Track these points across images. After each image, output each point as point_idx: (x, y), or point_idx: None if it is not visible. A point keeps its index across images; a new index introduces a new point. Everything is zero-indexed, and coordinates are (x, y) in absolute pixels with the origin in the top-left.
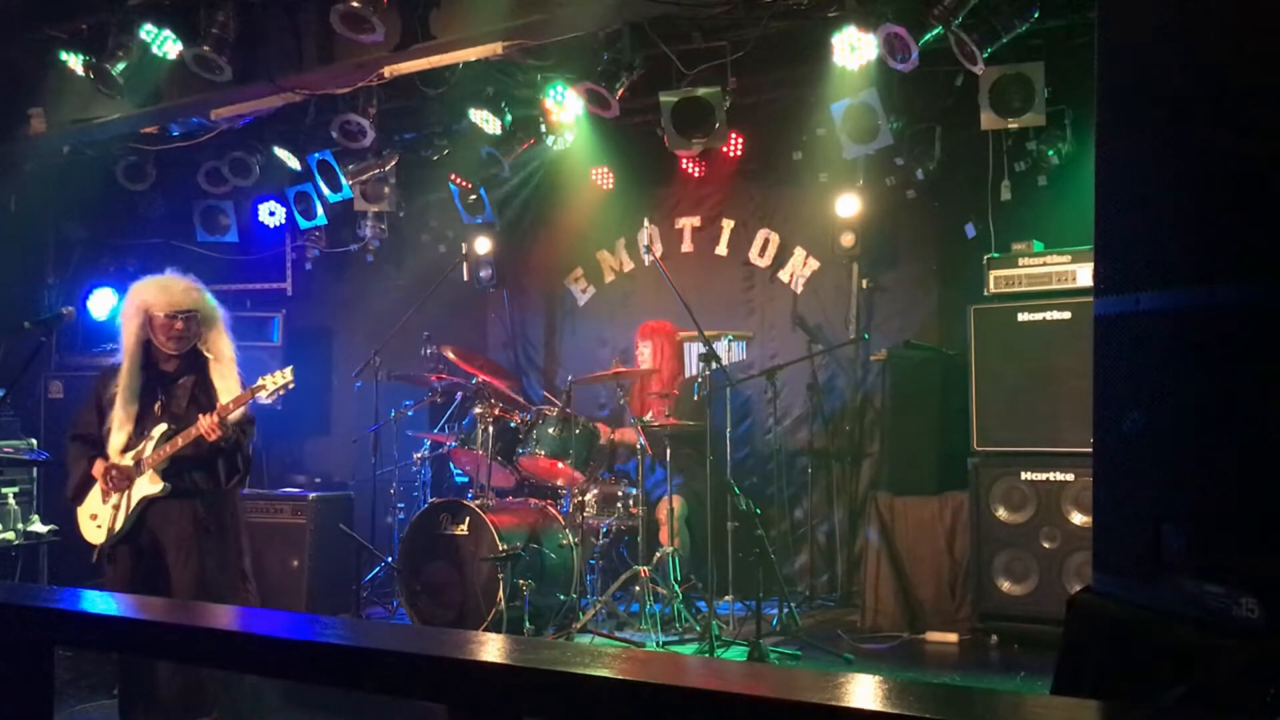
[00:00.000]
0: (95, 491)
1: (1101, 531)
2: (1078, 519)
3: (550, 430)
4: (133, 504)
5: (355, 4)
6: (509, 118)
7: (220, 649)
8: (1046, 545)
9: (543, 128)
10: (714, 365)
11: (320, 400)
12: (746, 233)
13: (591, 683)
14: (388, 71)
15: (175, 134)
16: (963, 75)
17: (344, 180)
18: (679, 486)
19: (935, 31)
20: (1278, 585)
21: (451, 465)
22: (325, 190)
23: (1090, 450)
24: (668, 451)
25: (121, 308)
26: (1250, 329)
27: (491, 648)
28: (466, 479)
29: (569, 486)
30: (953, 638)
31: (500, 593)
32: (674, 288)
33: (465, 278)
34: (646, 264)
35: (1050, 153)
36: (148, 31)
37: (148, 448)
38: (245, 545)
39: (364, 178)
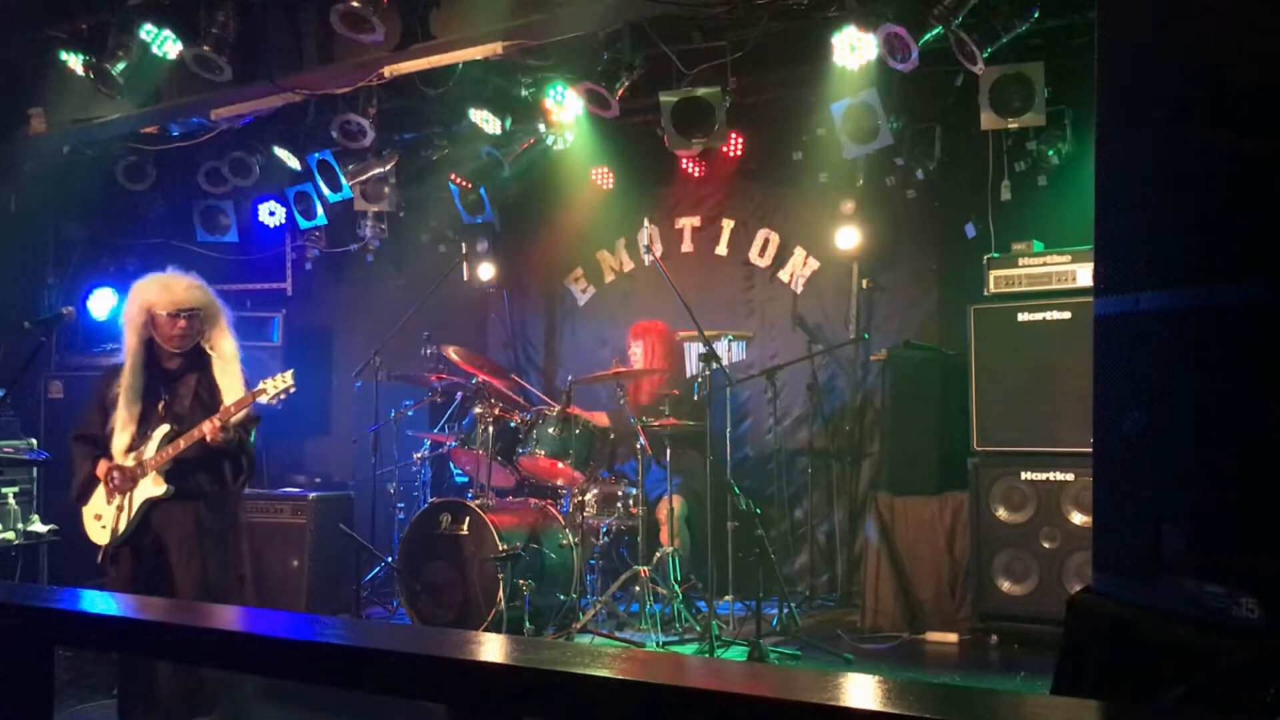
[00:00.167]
0: (100, 492)
1: (1101, 531)
2: (1078, 519)
3: (550, 430)
4: (135, 505)
5: (355, 4)
6: (509, 118)
7: (220, 649)
8: (1046, 545)
9: (543, 128)
10: (714, 365)
11: (320, 400)
12: (746, 233)
13: (591, 683)
14: (388, 71)
15: (175, 134)
16: (963, 75)
17: (344, 180)
18: (679, 486)
19: (935, 31)
20: (1278, 585)
21: (451, 465)
22: (325, 190)
23: (1090, 450)
24: (667, 451)
25: (124, 307)
26: (1250, 329)
27: (491, 648)
28: (466, 479)
29: (569, 486)
30: (953, 638)
31: (500, 593)
32: (674, 288)
33: (465, 278)
34: (646, 264)
35: (1050, 153)
36: (148, 31)
37: (150, 449)
38: (245, 546)
39: (364, 178)
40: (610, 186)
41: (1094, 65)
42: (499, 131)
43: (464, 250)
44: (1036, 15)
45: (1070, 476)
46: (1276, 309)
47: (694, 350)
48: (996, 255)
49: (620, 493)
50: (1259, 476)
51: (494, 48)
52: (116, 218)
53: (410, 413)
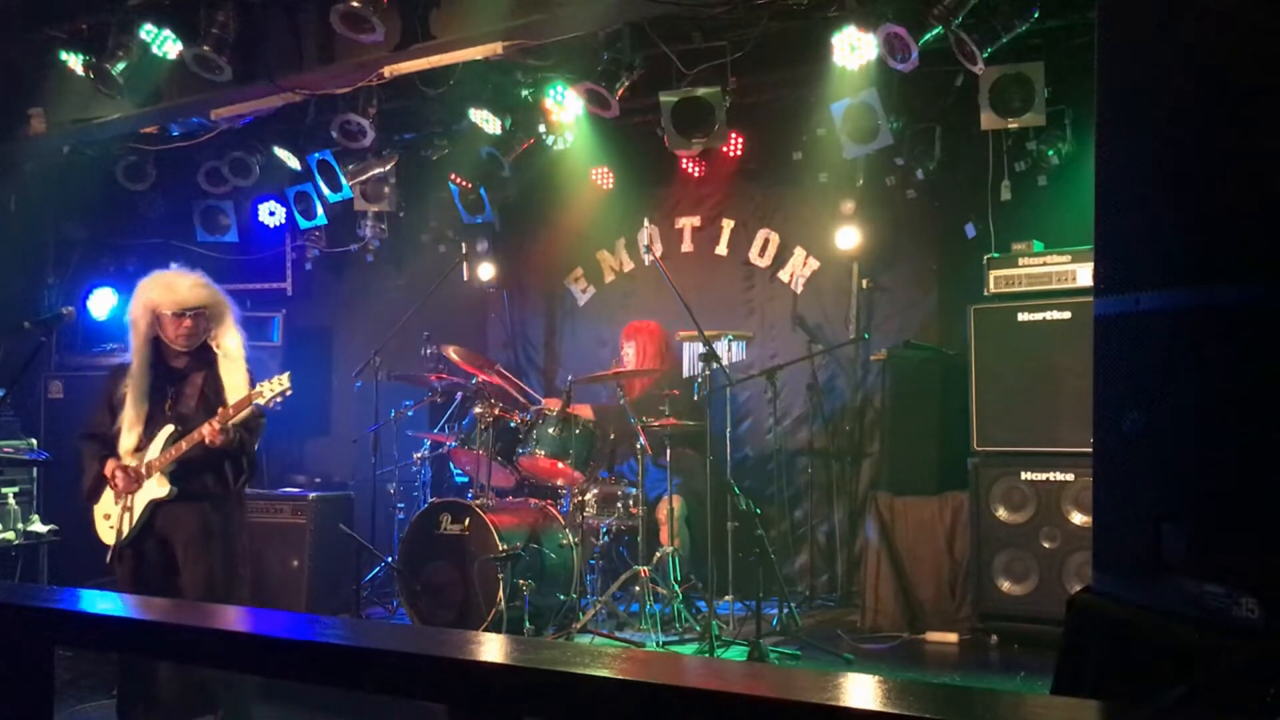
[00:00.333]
0: (109, 492)
1: (1101, 531)
2: (1078, 519)
3: (550, 430)
4: (140, 506)
5: (355, 4)
6: (509, 118)
7: (220, 649)
8: (1046, 545)
9: (543, 128)
10: (714, 365)
11: (320, 400)
12: (746, 233)
13: (591, 683)
14: (388, 71)
15: (175, 134)
16: (963, 75)
17: (344, 180)
18: (678, 486)
19: (935, 31)
20: (1278, 585)
21: (451, 465)
22: (325, 190)
23: (1090, 450)
24: (667, 451)
25: (129, 306)
26: (1250, 329)
27: (491, 648)
28: (466, 479)
29: (569, 486)
30: (953, 638)
31: (500, 593)
32: (674, 288)
33: (465, 278)
34: (646, 264)
35: (1050, 153)
36: (148, 31)
37: (154, 449)
38: (245, 547)
39: (364, 178)
40: (610, 186)
41: (1094, 65)
42: (499, 131)
43: (464, 250)
44: (1036, 15)
45: (1070, 476)
46: (1276, 309)
47: (694, 350)
48: (996, 255)
49: (620, 493)
50: (1259, 477)
51: (494, 48)
52: (116, 218)
53: (410, 413)
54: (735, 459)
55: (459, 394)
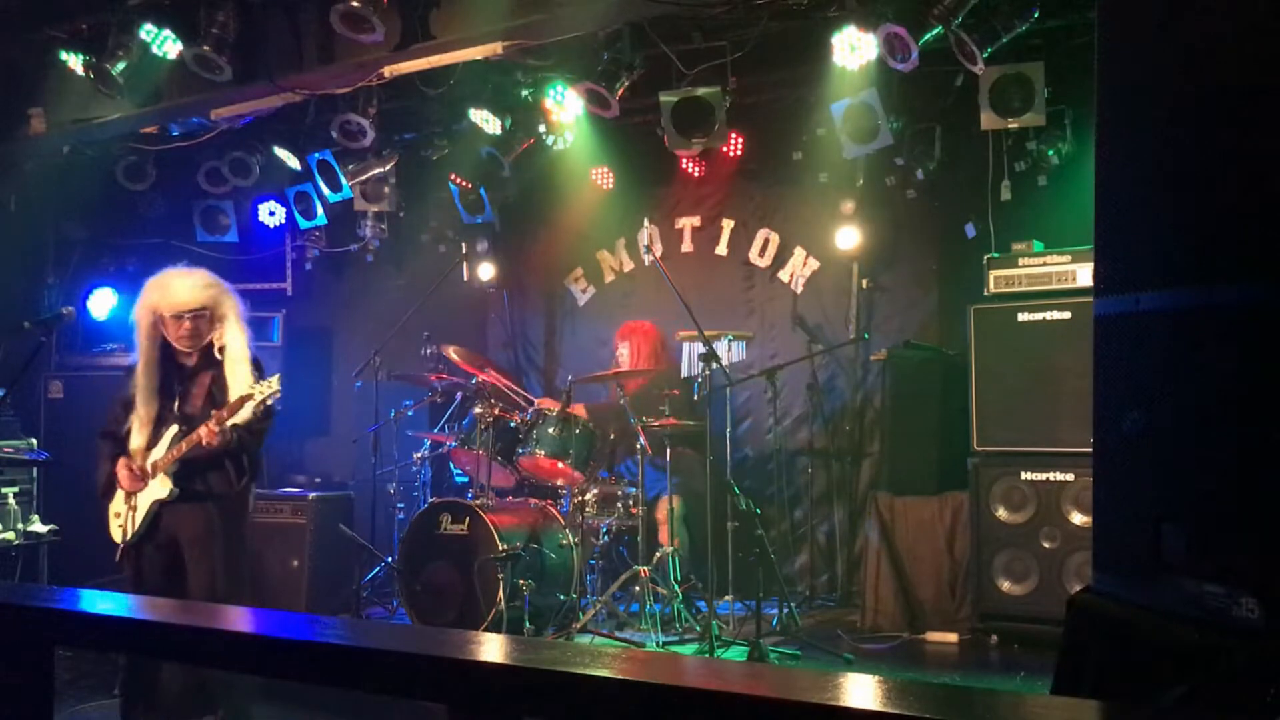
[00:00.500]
0: (120, 491)
1: (1101, 531)
2: (1078, 519)
3: (550, 430)
4: (145, 506)
5: (355, 4)
6: (509, 118)
7: (220, 649)
8: (1046, 545)
9: (543, 128)
10: (714, 365)
11: (320, 400)
12: (746, 233)
13: (591, 683)
14: (388, 71)
15: (175, 134)
16: (963, 75)
17: (344, 180)
18: (676, 485)
19: (935, 31)
20: (1278, 585)
21: (451, 465)
22: (325, 190)
23: (1090, 450)
24: (667, 451)
25: (135, 306)
26: (1250, 329)
27: (491, 648)
28: (466, 479)
29: (569, 486)
30: (953, 638)
31: (500, 593)
32: (674, 288)
33: (465, 278)
34: (646, 264)
35: (1050, 153)
36: (148, 31)
37: (160, 449)
38: (248, 548)
39: (364, 178)
40: (610, 186)
41: (1094, 65)
42: (499, 131)
43: (464, 250)
44: (1036, 15)
45: (1070, 476)
46: (1276, 309)
47: (694, 350)
48: (996, 255)
49: (620, 493)
50: (1259, 476)
51: (494, 48)
52: (116, 218)
53: (410, 413)
54: (735, 459)
55: (459, 394)
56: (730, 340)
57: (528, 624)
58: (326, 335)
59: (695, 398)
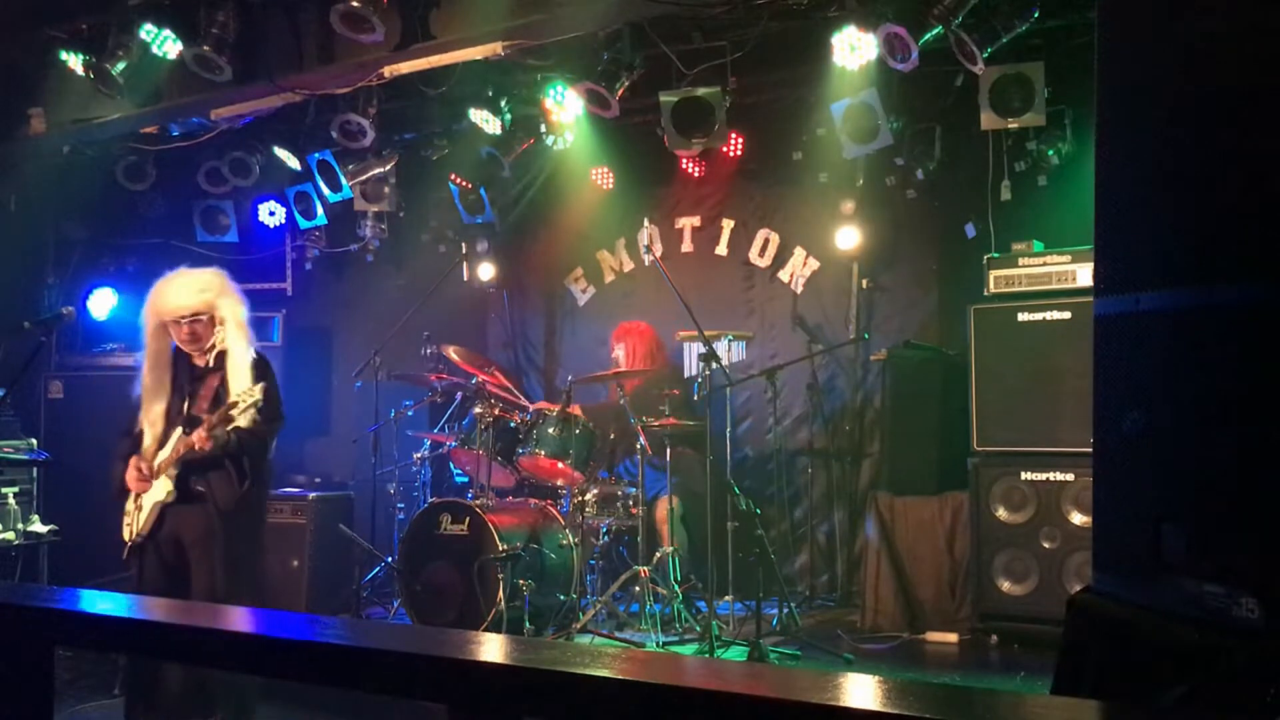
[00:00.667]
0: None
1: (1101, 531)
2: (1078, 519)
3: (550, 430)
4: (148, 506)
5: (355, 4)
6: (509, 118)
7: (220, 649)
8: (1046, 545)
9: (543, 128)
10: (714, 365)
11: (320, 400)
12: (746, 233)
13: (591, 683)
14: (388, 71)
15: (175, 134)
16: (963, 75)
17: (344, 180)
18: (675, 485)
19: (935, 31)
20: (1278, 585)
21: (451, 465)
22: (325, 190)
23: (1090, 450)
24: (667, 451)
25: (143, 308)
26: (1250, 329)
27: (491, 648)
28: (466, 479)
29: (569, 486)
30: (953, 638)
31: (500, 593)
32: (674, 288)
33: (465, 278)
34: (646, 264)
35: (1050, 153)
36: (148, 31)
37: (165, 450)
38: (257, 552)
39: (364, 178)
40: (610, 186)
41: (1094, 65)
42: (499, 131)
43: (464, 250)
44: (1036, 15)
45: (1070, 476)
46: (1276, 309)
47: (694, 350)
48: (996, 255)
49: (620, 493)
50: (1259, 476)
51: (494, 48)
52: (116, 218)
53: (410, 413)
54: (735, 459)
55: (459, 394)
56: (730, 340)
57: (528, 624)
58: (326, 335)
59: (695, 398)
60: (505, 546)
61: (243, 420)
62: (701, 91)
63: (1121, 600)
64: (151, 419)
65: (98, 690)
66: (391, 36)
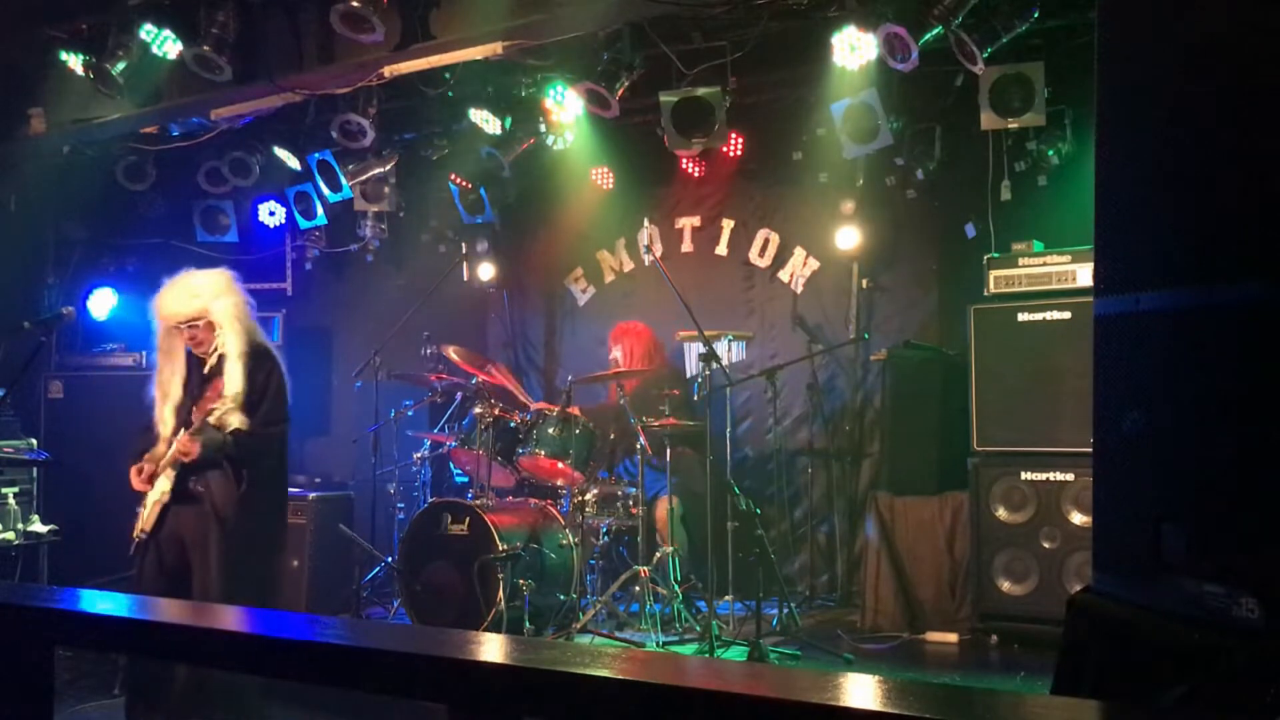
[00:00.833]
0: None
1: (1101, 531)
2: (1078, 519)
3: (550, 430)
4: (150, 505)
5: (355, 4)
6: (509, 118)
7: (220, 649)
8: (1046, 545)
9: (543, 128)
10: (714, 365)
11: (320, 400)
12: (746, 233)
13: (591, 683)
14: (388, 71)
15: (175, 134)
16: (963, 75)
17: (344, 180)
18: (676, 485)
19: (935, 31)
20: (1278, 585)
21: (451, 465)
22: (325, 190)
23: (1090, 450)
24: (667, 451)
25: None
26: (1250, 329)
27: (491, 648)
28: (466, 479)
29: (569, 486)
30: (953, 638)
31: (500, 593)
32: (674, 288)
33: (465, 278)
34: (646, 264)
35: (1050, 153)
36: (148, 31)
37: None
38: (263, 556)
39: (364, 178)
40: (610, 186)
41: (1094, 65)
42: (499, 131)
43: (464, 250)
44: (1036, 15)
45: (1070, 476)
46: (1276, 309)
47: (694, 350)
48: (996, 255)
49: (620, 493)
50: (1259, 476)
51: (494, 48)
52: (116, 218)
53: (410, 413)
54: (735, 459)
55: (459, 394)
56: (730, 340)
57: (528, 624)
58: (326, 335)
59: (695, 398)
60: (505, 546)
61: (234, 422)
62: (701, 91)
63: (1121, 600)
64: (163, 418)
65: (98, 690)
66: (391, 36)
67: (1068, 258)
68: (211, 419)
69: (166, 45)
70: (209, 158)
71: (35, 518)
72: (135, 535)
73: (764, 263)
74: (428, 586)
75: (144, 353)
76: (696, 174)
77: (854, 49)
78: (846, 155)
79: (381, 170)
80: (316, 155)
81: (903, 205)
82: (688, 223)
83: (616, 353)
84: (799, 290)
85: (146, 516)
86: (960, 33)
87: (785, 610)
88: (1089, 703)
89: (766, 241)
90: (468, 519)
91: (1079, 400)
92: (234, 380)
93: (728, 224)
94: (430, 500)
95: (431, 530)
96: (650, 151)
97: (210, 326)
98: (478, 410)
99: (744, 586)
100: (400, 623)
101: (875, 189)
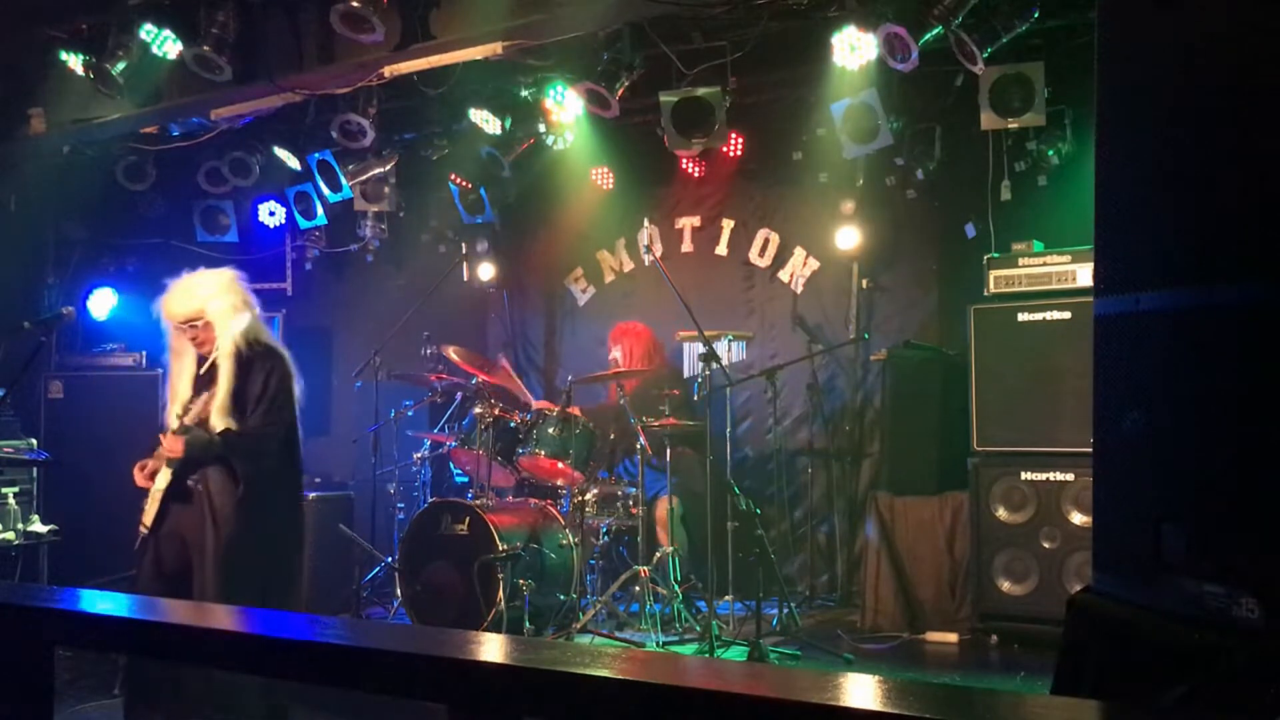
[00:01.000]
0: None
1: (1101, 531)
2: (1078, 519)
3: (550, 430)
4: (152, 502)
5: (355, 4)
6: (509, 118)
7: (220, 649)
8: (1046, 545)
9: (543, 128)
10: (714, 365)
11: (320, 400)
12: (746, 233)
13: (591, 683)
14: (388, 71)
15: (175, 134)
16: (963, 75)
17: (344, 180)
18: (676, 485)
19: (935, 31)
20: (1278, 585)
21: (451, 465)
22: (325, 190)
23: (1090, 450)
24: (667, 451)
25: None
26: (1250, 329)
27: (491, 648)
28: (466, 479)
29: (569, 486)
30: (953, 638)
31: (500, 593)
32: (674, 288)
33: (465, 278)
34: (646, 264)
35: (1050, 153)
36: (148, 31)
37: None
38: (268, 559)
39: (364, 178)
40: (610, 186)
41: (1094, 65)
42: (499, 131)
43: (464, 250)
44: (1036, 15)
45: (1070, 476)
46: (1276, 309)
47: (694, 350)
48: (996, 255)
49: (620, 493)
50: (1259, 476)
51: (494, 48)
52: (116, 218)
53: (410, 413)
54: (735, 459)
55: (459, 394)
56: (730, 340)
57: (528, 624)
58: (326, 335)
59: (695, 398)
60: (505, 546)
61: (219, 423)
62: (701, 91)
63: (1121, 600)
64: (172, 415)
65: (98, 690)
66: (391, 36)
67: (1068, 258)
68: (188, 418)
69: (166, 45)
70: (209, 158)
71: (35, 518)
72: (141, 530)
73: (764, 263)
74: (428, 586)
75: (144, 353)
76: (696, 174)
77: (854, 49)
78: (846, 155)
79: (381, 170)
80: (316, 155)
81: (903, 205)
82: (688, 223)
83: (616, 353)
84: (799, 290)
85: (147, 511)
86: (960, 33)
87: (785, 610)
88: (1089, 703)
89: (766, 241)
90: (468, 519)
91: (1079, 400)
92: (221, 380)
93: (728, 224)
94: (430, 500)
95: (431, 530)
96: (650, 151)
97: (209, 326)
98: (478, 410)
99: (744, 586)
100: (400, 623)
101: (875, 189)
